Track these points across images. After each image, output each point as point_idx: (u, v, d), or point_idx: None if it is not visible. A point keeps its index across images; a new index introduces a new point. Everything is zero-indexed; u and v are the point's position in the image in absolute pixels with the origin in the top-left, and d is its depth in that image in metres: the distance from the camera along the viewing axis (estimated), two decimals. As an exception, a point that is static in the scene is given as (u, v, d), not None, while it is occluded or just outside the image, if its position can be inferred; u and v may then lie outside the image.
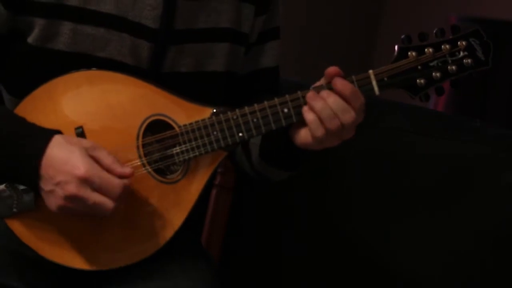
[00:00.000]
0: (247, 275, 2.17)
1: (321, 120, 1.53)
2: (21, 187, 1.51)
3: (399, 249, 2.09)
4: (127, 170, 1.50)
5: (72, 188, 1.46)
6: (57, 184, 1.47)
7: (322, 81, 1.57)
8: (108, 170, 1.48)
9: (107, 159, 1.49)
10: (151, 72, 1.60)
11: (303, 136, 1.56)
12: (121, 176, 1.49)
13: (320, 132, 1.53)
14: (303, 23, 4.00)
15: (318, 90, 1.55)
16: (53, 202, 1.48)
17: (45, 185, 1.48)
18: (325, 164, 2.11)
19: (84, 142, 1.50)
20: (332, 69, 1.55)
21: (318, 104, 1.53)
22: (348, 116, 1.53)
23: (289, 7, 3.70)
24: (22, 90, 1.55)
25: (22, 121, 1.52)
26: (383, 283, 2.12)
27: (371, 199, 2.11)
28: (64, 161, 1.47)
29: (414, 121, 2.11)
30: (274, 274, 2.16)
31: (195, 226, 1.92)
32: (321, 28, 4.04)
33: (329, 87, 1.55)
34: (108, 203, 1.47)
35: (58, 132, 1.51)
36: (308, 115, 1.54)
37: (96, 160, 1.48)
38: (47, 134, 1.49)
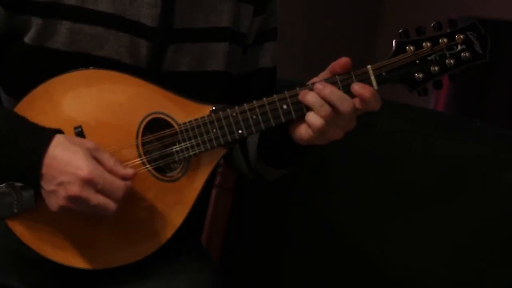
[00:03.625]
0: (247, 275, 2.17)
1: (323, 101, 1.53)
2: (19, 184, 1.51)
3: (400, 249, 2.09)
4: (129, 171, 1.50)
5: (75, 189, 1.45)
6: (60, 184, 1.46)
7: (320, 77, 1.57)
8: (111, 172, 1.48)
9: (109, 161, 1.48)
10: (150, 71, 1.60)
11: (304, 132, 1.56)
12: (123, 178, 1.49)
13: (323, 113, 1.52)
14: (303, 23, 4.00)
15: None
16: (54, 202, 1.48)
17: (47, 185, 1.48)
18: (325, 164, 2.11)
19: (87, 143, 1.49)
20: (344, 60, 1.55)
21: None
22: (346, 104, 1.53)
23: (289, 7, 3.70)
24: (20, 91, 1.54)
25: (23, 120, 1.51)
26: (383, 283, 2.12)
27: (371, 199, 2.11)
28: (67, 161, 1.46)
29: (414, 121, 2.11)
30: (274, 274, 2.16)
31: (195, 226, 1.92)
32: (321, 29, 4.04)
33: (328, 82, 1.54)
34: (110, 204, 1.47)
35: (59, 131, 1.51)
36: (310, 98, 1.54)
37: (99, 162, 1.48)
38: (48, 133, 1.49)
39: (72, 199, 1.46)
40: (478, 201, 2.05)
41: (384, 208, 2.09)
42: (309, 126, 1.54)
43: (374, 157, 2.10)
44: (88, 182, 1.45)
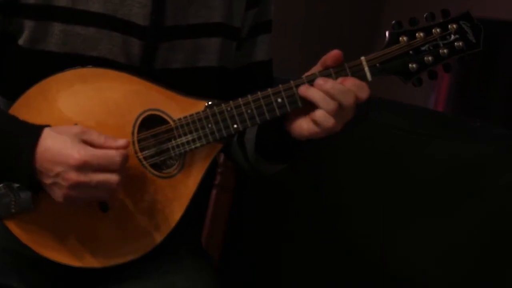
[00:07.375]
0: (247, 275, 2.18)
1: (330, 97, 1.52)
2: (16, 185, 1.51)
3: (399, 248, 2.09)
4: (122, 141, 1.49)
5: (72, 176, 1.45)
6: (57, 175, 1.46)
7: (313, 70, 1.57)
8: (103, 148, 1.48)
9: (99, 139, 1.48)
10: (144, 70, 1.60)
11: (306, 128, 1.56)
12: (117, 149, 1.48)
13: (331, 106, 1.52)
14: (300, 21, 4.00)
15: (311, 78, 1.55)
16: (58, 193, 1.48)
17: (46, 179, 1.48)
18: (325, 164, 2.11)
19: (73, 129, 1.49)
20: (335, 53, 1.55)
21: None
22: (349, 97, 1.52)
23: (289, 7, 3.70)
24: (15, 93, 1.54)
25: (13, 119, 1.51)
26: (383, 283, 2.12)
27: (371, 199, 2.11)
28: (58, 151, 1.46)
29: (414, 121, 2.10)
30: (274, 275, 2.16)
31: (195, 226, 1.92)
32: (318, 27, 4.04)
33: (322, 74, 1.55)
34: (112, 177, 1.47)
35: (47, 126, 1.50)
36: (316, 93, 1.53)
37: (89, 143, 1.48)
38: (37, 129, 1.49)
39: (73, 186, 1.46)
40: (478, 201, 2.05)
41: (383, 207, 2.09)
42: (317, 124, 1.53)
43: (374, 157, 2.10)
44: (82, 166, 1.45)
